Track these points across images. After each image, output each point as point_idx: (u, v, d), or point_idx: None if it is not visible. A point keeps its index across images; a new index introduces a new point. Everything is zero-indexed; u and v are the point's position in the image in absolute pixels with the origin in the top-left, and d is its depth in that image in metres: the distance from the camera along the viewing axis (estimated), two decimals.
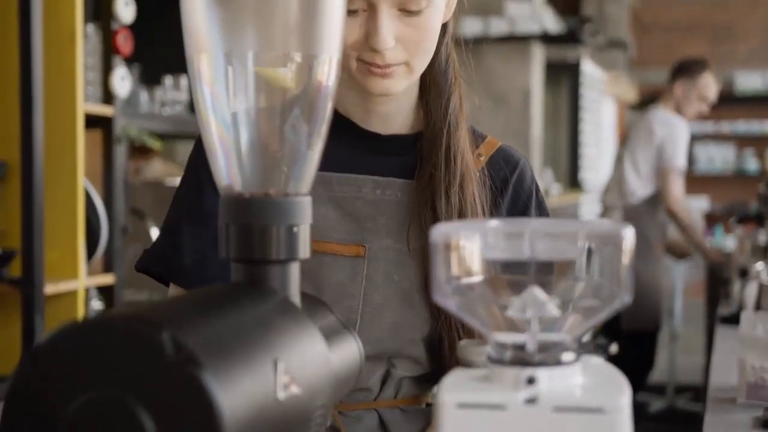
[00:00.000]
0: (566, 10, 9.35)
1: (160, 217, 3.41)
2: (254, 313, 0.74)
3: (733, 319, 2.87)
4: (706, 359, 4.70)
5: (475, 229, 0.69)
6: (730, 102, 9.94)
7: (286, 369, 0.66)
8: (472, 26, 5.29)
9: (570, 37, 5.72)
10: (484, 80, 5.37)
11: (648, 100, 9.97)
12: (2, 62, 2.48)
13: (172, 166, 3.70)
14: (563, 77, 7.00)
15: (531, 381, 0.64)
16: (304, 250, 0.79)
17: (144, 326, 0.59)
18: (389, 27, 1.12)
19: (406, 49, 1.14)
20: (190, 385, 0.57)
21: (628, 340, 4.16)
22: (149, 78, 2.96)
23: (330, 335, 0.82)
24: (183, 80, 2.98)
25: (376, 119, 1.24)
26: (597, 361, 0.71)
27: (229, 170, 0.80)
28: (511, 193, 1.26)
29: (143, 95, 2.90)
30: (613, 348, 3.45)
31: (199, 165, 1.23)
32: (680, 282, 6.29)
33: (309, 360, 0.72)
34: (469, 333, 1.16)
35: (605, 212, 4.46)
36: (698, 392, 5.14)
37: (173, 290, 1.22)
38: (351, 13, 1.13)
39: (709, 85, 4.16)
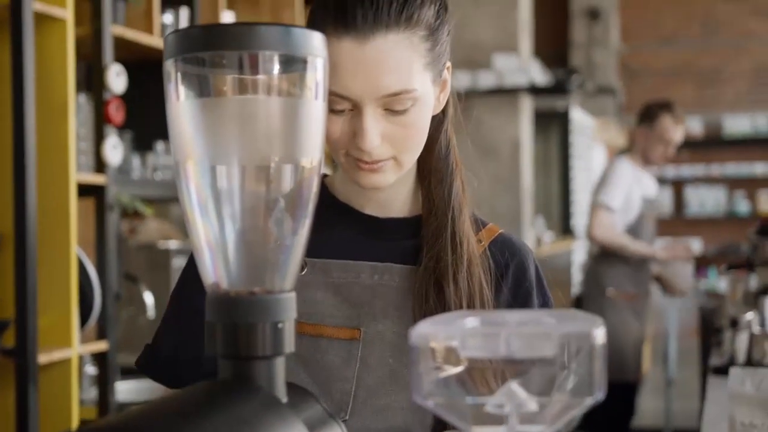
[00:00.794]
0: (555, 59, 9.46)
1: (153, 280, 3.43)
2: (239, 412, 0.76)
3: (725, 370, 2.88)
4: (700, 407, 4.70)
5: (453, 329, 0.72)
6: (719, 145, 10.03)
7: None
8: (460, 79, 5.36)
9: (558, 88, 5.79)
10: (474, 132, 5.40)
11: None
12: None
13: (167, 226, 3.73)
14: (553, 125, 7.07)
15: None
16: (289, 344, 0.82)
17: None
18: (375, 127, 1.12)
19: (393, 145, 1.15)
20: None
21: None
22: (141, 144, 2.99)
23: (316, 426, 0.84)
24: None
25: (375, 204, 1.26)
26: None
27: (215, 269, 0.82)
28: (512, 281, 1.26)
29: (135, 161, 2.93)
30: None
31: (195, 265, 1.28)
32: (674, 326, 6.30)
33: None
34: None
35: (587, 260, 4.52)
36: None
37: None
38: (338, 112, 1.14)
39: (668, 128, 4.13)
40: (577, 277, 6.87)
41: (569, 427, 0.70)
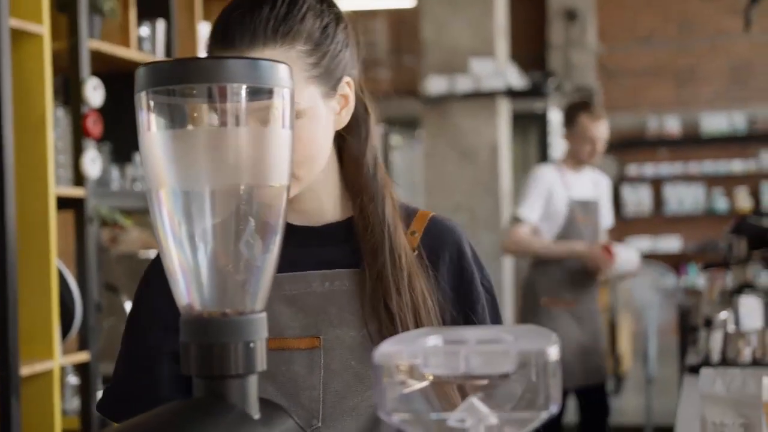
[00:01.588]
0: (532, 61, 9.52)
1: (133, 290, 3.44)
2: (213, 429, 0.80)
3: (700, 368, 2.91)
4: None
5: (415, 348, 0.75)
6: (697, 143, 10.11)
7: None
8: (438, 84, 5.40)
9: (534, 92, 5.84)
10: (452, 136, 5.47)
11: (616, 144, 10.14)
12: None
13: (148, 235, 3.75)
14: (531, 127, 7.13)
15: None
16: (261, 363, 0.85)
17: None
18: None
19: None
20: None
21: (579, 395, 4.20)
22: (120, 155, 3.02)
23: None
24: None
25: (305, 217, 1.29)
26: None
27: (188, 291, 0.86)
28: (454, 267, 1.30)
29: (114, 173, 2.95)
30: None
31: (146, 301, 1.28)
32: (654, 324, 6.36)
33: None
34: None
35: None
36: None
37: None
38: None
39: (587, 126, 4.07)
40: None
41: None
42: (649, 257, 9.55)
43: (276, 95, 0.84)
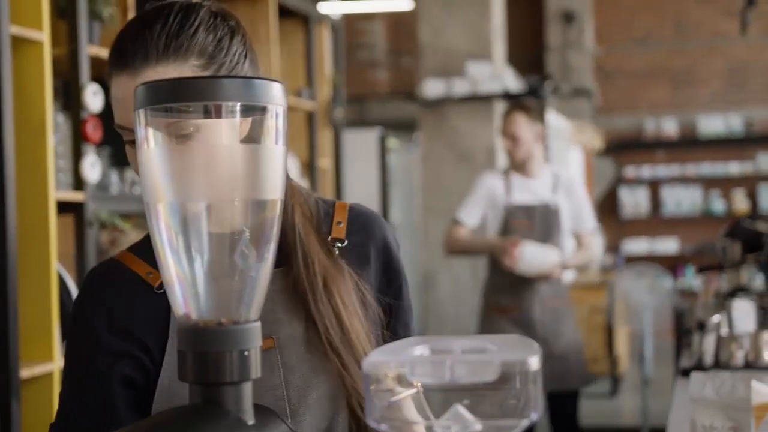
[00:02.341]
0: (530, 62, 9.56)
1: None
2: None
3: (693, 371, 2.93)
4: None
5: (402, 358, 0.79)
6: (694, 145, 10.16)
7: None
8: (435, 87, 5.43)
9: (531, 95, 5.87)
10: (449, 139, 5.50)
11: (613, 146, 10.18)
12: None
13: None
14: None
15: None
16: (255, 370, 0.88)
17: None
18: None
19: None
20: None
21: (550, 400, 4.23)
22: (119, 159, 3.05)
23: None
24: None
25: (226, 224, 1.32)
26: None
27: (185, 301, 0.89)
28: (381, 255, 1.33)
29: (114, 177, 2.98)
30: None
31: (84, 327, 1.25)
32: (650, 325, 6.39)
33: None
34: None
35: None
36: None
37: None
38: (132, 143, 1.19)
39: (503, 122, 4.10)
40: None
41: None
42: (646, 259, 9.60)
43: (269, 112, 0.88)
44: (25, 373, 2.50)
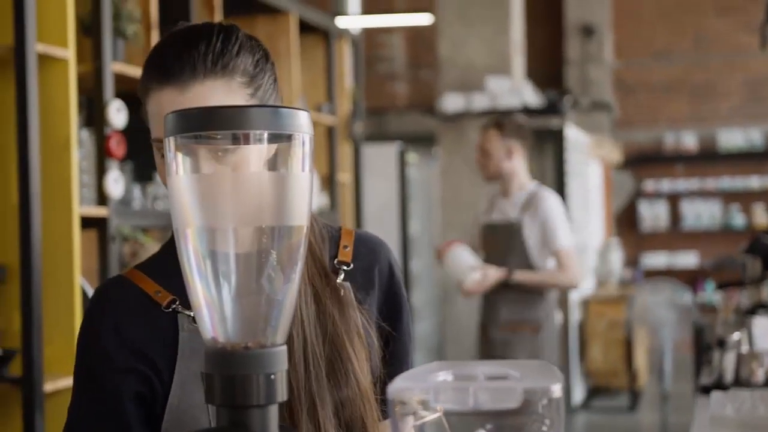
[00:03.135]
0: (550, 76, 9.56)
1: None
2: None
3: (713, 389, 2.92)
4: None
5: (426, 384, 0.80)
6: (714, 159, 10.12)
7: None
8: (454, 102, 5.45)
9: (550, 109, 5.88)
10: (468, 154, 5.51)
11: (633, 159, 10.16)
12: (2, 168, 2.60)
13: None
14: (547, 143, 7.14)
15: None
16: (281, 393, 0.90)
17: None
18: None
19: None
20: None
21: None
22: (142, 174, 3.08)
23: None
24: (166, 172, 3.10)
25: None
26: None
27: (212, 325, 0.90)
28: (384, 280, 1.34)
29: (136, 191, 3.01)
30: None
31: (94, 345, 1.24)
32: (669, 341, 6.37)
33: None
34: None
35: None
36: None
37: None
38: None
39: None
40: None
41: None
42: (665, 273, 9.56)
43: (296, 140, 0.89)
44: (49, 387, 2.52)
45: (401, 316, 1.36)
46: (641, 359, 7.47)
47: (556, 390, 0.77)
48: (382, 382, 1.28)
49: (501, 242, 4.02)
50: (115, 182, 2.77)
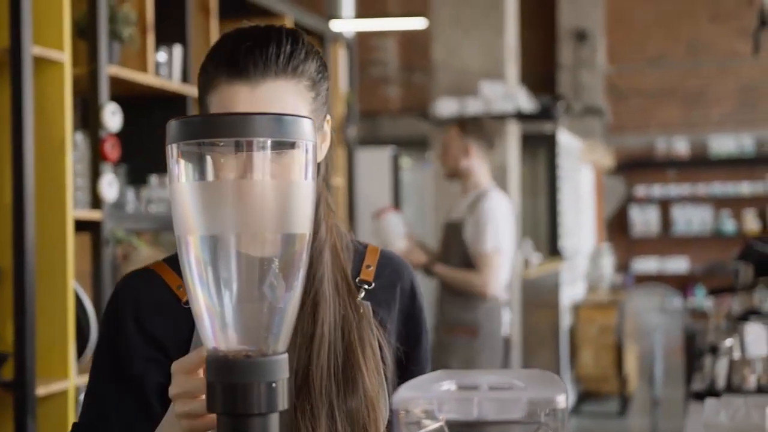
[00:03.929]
0: (543, 81, 9.57)
1: None
2: None
3: (705, 396, 2.92)
4: None
5: (430, 394, 0.80)
6: (705, 165, 10.14)
7: None
8: (448, 106, 5.45)
9: (544, 115, 5.88)
10: None
11: (625, 164, 10.18)
12: None
13: (159, 252, 3.80)
14: (540, 148, 7.16)
15: None
16: (282, 402, 0.89)
17: None
18: None
19: None
20: None
21: None
22: (136, 177, 3.07)
23: None
24: (167, 178, 3.09)
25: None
26: None
27: (214, 334, 0.90)
28: (405, 301, 1.35)
29: (130, 194, 3.00)
30: None
31: (120, 332, 1.26)
32: (660, 346, 6.38)
33: None
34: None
35: None
36: None
37: None
38: None
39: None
40: (566, 299, 6.96)
41: None
42: (655, 278, 9.57)
43: (299, 148, 0.89)
44: (41, 390, 2.51)
45: (420, 341, 1.37)
46: (632, 364, 7.48)
47: (561, 400, 0.76)
48: None
49: (447, 241, 4.03)
50: (110, 185, 2.76)
